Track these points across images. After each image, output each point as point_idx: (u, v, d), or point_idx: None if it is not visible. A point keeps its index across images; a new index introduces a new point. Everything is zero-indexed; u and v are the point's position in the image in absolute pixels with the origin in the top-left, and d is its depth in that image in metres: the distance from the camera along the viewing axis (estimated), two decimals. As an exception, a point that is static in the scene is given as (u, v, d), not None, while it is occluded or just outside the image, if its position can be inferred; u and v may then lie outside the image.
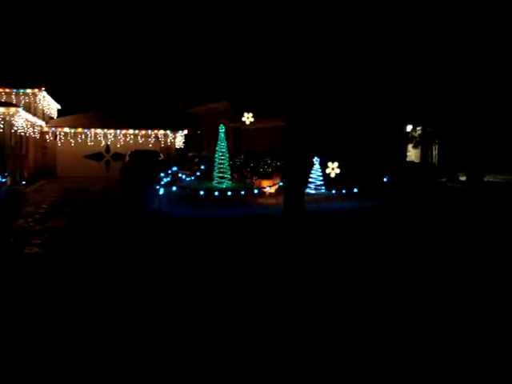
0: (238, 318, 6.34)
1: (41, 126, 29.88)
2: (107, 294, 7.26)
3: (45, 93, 29.35)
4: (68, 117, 33.68)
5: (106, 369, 4.92)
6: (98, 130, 31.14)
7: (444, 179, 27.47)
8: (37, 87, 28.38)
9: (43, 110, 31.25)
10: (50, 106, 33.19)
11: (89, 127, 31.00)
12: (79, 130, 30.85)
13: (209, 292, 7.39)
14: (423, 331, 5.97)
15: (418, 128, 30.52)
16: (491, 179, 27.89)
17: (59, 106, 36.36)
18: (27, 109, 26.09)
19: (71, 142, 31.07)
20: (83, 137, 31.09)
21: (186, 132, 33.56)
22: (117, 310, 6.61)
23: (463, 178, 24.20)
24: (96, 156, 32.02)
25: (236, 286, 7.70)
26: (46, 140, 30.87)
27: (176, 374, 4.86)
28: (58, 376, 4.77)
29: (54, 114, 35.52)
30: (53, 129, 30.86)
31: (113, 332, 5.83)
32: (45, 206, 16.76)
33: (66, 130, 30.79)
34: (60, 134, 30.96)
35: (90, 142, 31.27)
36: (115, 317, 6.32)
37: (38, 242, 10.87)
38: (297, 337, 5.73)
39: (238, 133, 41.04)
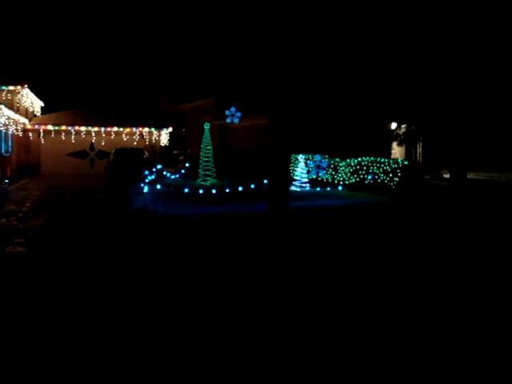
0: (222, 316, 6.35)
1: (24, 124, 29.62)
2: (91, 294, 7.23)
3: (28, 90, 29.11)
4: (52, 114, 33.43)
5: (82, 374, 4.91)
6: (82, 128, 30.94)
7: (428, 176, 27.62)
8: (19, 84, 28.15)
9: (26, 108, 31.00)
10: (34, 103, 32.94)
11: (73, 125, 30.78)
12: (63, 127, 30.62)
13: (194, 291, 7.39)
14: (410, 330, 6.02)
15: (402, 126, 30.68)
16: (474, 176, 28.10)
17: (43, 104, 36.08)
18: (10, 106, 25.86)
19: (55, 140, 30.84)
20: (67, 134, 30.87)
21: (170, 130, 33.46)
22: (100, 309, 6.58)
23: (447, 176, 24.36)
24: (80, 154, 31.82)
25: (221, 284, 7.70)
26: (30, 138, 30.60)
27: (157, 375, 4.86)
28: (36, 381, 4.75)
29: (38, 112, 35.23)
30: (36, 126, 30.61)
31: (96, 333, 5.81)
32: (28, 205, 16.63)
33: (50, 127, 30.55)
34: (44, 132, 30.72)
35: (74, 139, 31.05)
36: (98, 317, 6.30)
37: (21, 240, 10.78)
38: (282, 336, 5.75)
39: (223, 130, 40.98)
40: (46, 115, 33.72)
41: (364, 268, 8.78)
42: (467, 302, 7.04)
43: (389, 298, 7.16)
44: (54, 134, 30.75)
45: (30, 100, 31.51)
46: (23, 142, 30.32)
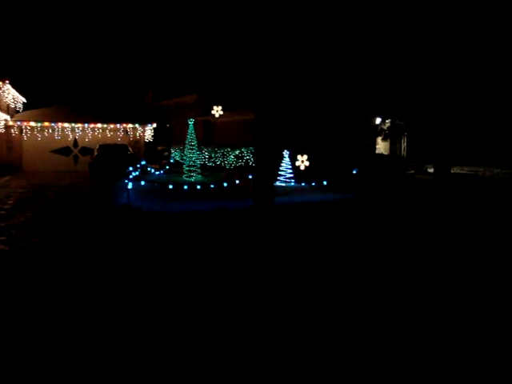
0: (209, 311, 6.31)
1: (5, 120, 29.30)
2: (75, 291, 7.15)
3: (9, 86, 28.77)
4: (34, 110, 33.08)
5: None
6: (66, 124, 30.65)
7: (412, 171, 27.80)
8: (0, 80, 27.80)
9: (8, 104, 30.65)
10: (15, 99, 32.57)
11: (56, 121, 30.48)
12: (46, 123, 30.32)
13: (179, 286, 7.33)
14: (383, 322, 6.02)
15: (386, 121, 30.81)
16: (458, 171, 28.33)
17: (25, 100, 35.67)
18: (-9, 102, 25.57)
19: (38, 137, 30.52)
20: (50, 131, 30.58)
21: (155, 125, 33.29)
22: (83, 307, 6.51)
23: (431, 170, 24.51)
24: (64, 150, 31.54)
25: (206, 279, 7.65)
26: (12, 134, 30.26)
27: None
28: None
29: (20, 108, 34.85)
30: (18, 123, 30.27)
31: (82, 331, 5.74)
32: (10, 202, 16.44)
33: (33, 124, 30.23)
34: (26, 128, 30.39)
35: (58, 136, 30.76)
36: (81, 314, 6.23)
37: (4, 238, 10.64)
38: (269, 331, 5.73)
39: (207, 126, 40.85)
40: (29, 111, 33.35)
41: (349, 262, 8.78)
42: (452, 295, 7.06)
43: (374, 291, 7.17)
44: (37, 131, 30.45)
45: (12, 96, 31.15)
46: (5, 138, 29.98)
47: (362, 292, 7.16)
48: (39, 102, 37.69)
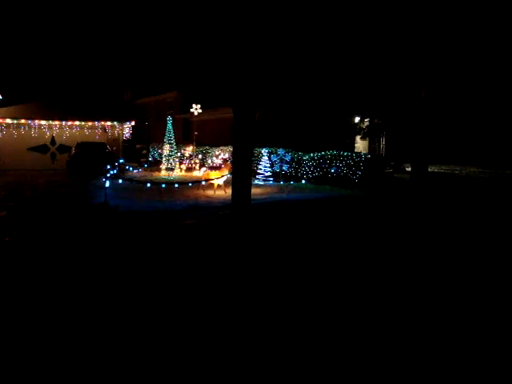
0: (185, 310, 6.29)
1: (-20, 118, 28.87)
2: (49, 292, 7.07)
3: (-16, 82, 28.35)
4: (10, 107, 32.53)
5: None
6: (43, 122, 30.26)
7: (391, 170, 27.95)
8: (-24, 77, 27.40)
9: (-17, 101, 30.20)
10: (-10, 96, 32.09)
11: (33, 118, 30.06)
12: (22, 121, 29.87)
13: (155, 285, 7.30)
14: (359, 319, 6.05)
15: (365, 120, 30.94)
16: (436, 170, 28.56)
17: (0, 97, 35.13)
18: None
19: (14, 134, 30.07)
20: (27, 128, 30.15)
21: (133, 123, 33.04)
22: (56, 308, 6.44)
23: (409, 169, 24.68)
24: (41, 148, 31.11)
25: (181, 280, 7.62)
26: (-13, 132, 29.83)
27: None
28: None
29: (-5, 105, 34.33)
30: (-6, 120, 29.83)
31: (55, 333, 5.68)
32: (-15, 200, 16.23)
33: (8, 121, 29.77)
34: (1, 126, 29.94)
35: (34, 133, 30.37)
36: (54, 316, 6.17)
37: (-23, 237, 10.51)
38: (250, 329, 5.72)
39: (187, 124, 40.68)
40: (4, 108, 32.78)
41: (328, 260, 8.81)
42: (431, 289, 7.13)
43: (350, 287, 7.20)
44: (13, 128, 30.02)
45: (-13, 93, 30.70)
46: (-20, 136, 29.52)
47: (343, 291, 7.19)
48: (16, 98, 37.20)
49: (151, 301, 6.64)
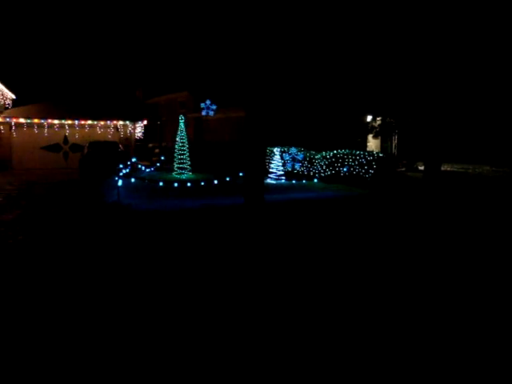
0: (201, 307, 6.29)
1: (-5, 117, 29.09)
2: (64, 291, 7.10)
3: (-2, 82, 28.56)
4: (24, 107, 32.79)
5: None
6: (56, 121, 30.43)
7: (403, 168, 27.84)
8: (-11, 76, 27.60)
9: (-4, 101, 30.42)
10: (4, 95, 32.29)
11: (46, 118, 30.25)
12: (36, 120, 30.07)
13: (170, 283, 7.30)
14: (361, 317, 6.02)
15: (377, 118, 30.79)
16: (449, 168, 28.41)
17: (14, 96, 35.36)
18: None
19: (27, 133, 30.27)
20: (40, 128, 30.34)
21: (145, 122, 33.14)
22: (73, 306, 6.47)
23: (422, 168, 24.56)
24: (54, 147, 31.29)
25: (196, 278, 7.63)
26: (1, 131, 30.00)
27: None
28: None
29: (9, 105, 34.56)
30: (7, 119, 30.01)
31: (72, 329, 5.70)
32: (-1, 199, 16.35)
33: (22, 120, 29.98)
34: (16, 125, 30.16)
35: (48, 132, 30.55)
36: (69, 313, 6.19)
37: (-9, 236, 10.58)
38: (260, 327, 5.71)
39: (198, 123, 40.74)
40: (18, 108, 33.04)
41: (339, 258, 8.78)
42: (441, 290, 7.08)
43: (361, 285, 7.17)
44: (27, 128, 30.22)
45: (1, 92, 30.89)
46: (-6, 135, 29.76)
47: (351, 289, 7.16)
48: (29, 98, 37.41)
49: (161, 296, 6.66)
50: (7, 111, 32.10)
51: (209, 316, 6.08)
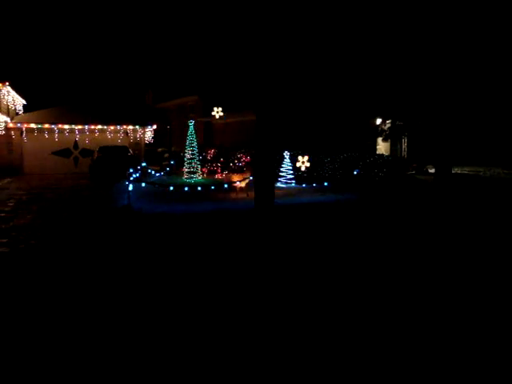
0: (212, 311, 6.28)
1: (5, 122, 29.23)
2: (75, 294, 7.11)
3: (9, 88, 28.72)
4: (34, 112, 33.01)
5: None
6: (66, 126, 30.58)
7: (413, 171, 27.76)
8: (1, 82, 27.75)
9: (8, 106, 30.58)
10: (16, 101, 32.49)
11: (56, 123, 30.40)
12: (46, 125, 30.25)
13: (182, 286, 7.30)
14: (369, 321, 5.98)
15: (387, 121, 30.72)
16: (459, 171, 28.28)
17: (25, 102, 35.59)
18: (-9, 104, 25.52)
19: (38, 138, 30.43)
20: (50, 133, 30.49)
21: (155, 127, 33.24)
22: (85, 308, 6.48)
23: (432, 171, 24.48)
24: (64, 152, 31.43)
25: (207, 281, 7.62)
26: (12, 136, 30.18)
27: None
28: None
29: (20, 110, 34.78)
30: (18, 125, 30.20)
31: (86, 331, 5.71)
32: (11, 204, 16.41)
33: (33, 125, 30.17)
34: (26, 130, 30.35)
35: (58, 137, 30.68)
36: (82, 316, 6.20)
37: (4, 240, 10.62)
38: (270, 330, 5.69)
39: (208, 127, 40.84)
40: (29, 113, 33.27)
41: (350, 263, 8.75)
42: (454, 293, 7.03)
43: (374, 291, 7.13)
44: (37, 133, 30.39)
45: (12, 98, 31.08)
46: (5, 140, 29.88)
47: (359, 293, 7.13)
48: (39, 103, 37.62)
49: (169, 297, 6.66)
50: (18, 117, 32.31)
51: (213, 316, 6.07)
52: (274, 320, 6.08)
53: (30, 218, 13.77)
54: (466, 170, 29.29)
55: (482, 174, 27.63)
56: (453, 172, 22.17)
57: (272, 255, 9.46)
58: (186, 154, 24.48)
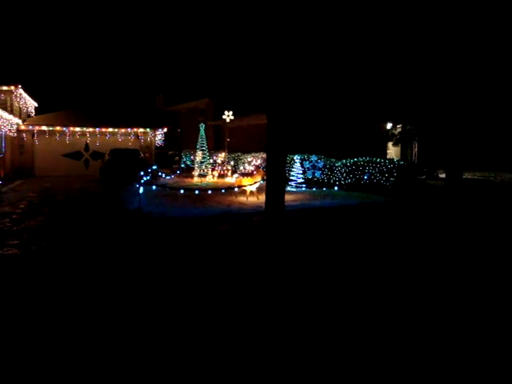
0: (223, 317, 6.27)
1: (17, 124, 29.42)
2: (85, 297, 7.13)
3: (21, 90, 28.93)
4: (46, 115, 33.24)
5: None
6: (77, 129, 30.76)
7: (424, 176, 27.64)
8: (13, 84, 27.95)
9: (20, 108, 30.79)
10: (27, 103, 32.73)
11: (67, 125, 30.60)
12: (57, 128, 30.44)
13: (193, 291, 7.30)
14: (409, 329, 5.95)
15: (397, 126, 30.66)
16: (470, 176, 28.14)
17: (36, 104, 35.87)
18: (3, 106, 25.70)
19: (49, 141, 30.66)
20: (61, 135, 30.69)
21: (165, 130, 33.35)
22: (98, 310, 6.49)
23: (443, 176, 24.37)
24: (75, 155, 31.63)
25: (219, 286, 7.61)
26: (24, 138, 30.39)
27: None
28: None
29: (32, 113, 35.03)
30: (30, 127, 30.41)
31: (95, 333, 5.71)
32: (22, 206, 16.48)
33: (44, 128, 30.37)
34: (38, 133, 30.55)
35: (69, 140, 30.90)
36: (90, 317, 6.21)
37: (16, 242, 10.66)
38: (282, 336, 5.67)
39: (218, 131, 40.90)
40: (41, 116, 33.51)
41: (362, 268, 8.71)
42: (465, 300, 6.98)
43: (387, 297, 7.09)
44: (49, 135, 30.59)
45: (24, 101, 31.31)
46: (17, 142, 30.10)
47: (368, 298, 7.09)
48: (51, 106, 37.95)
49: (175, 299, 6.66)
50: (30, 119, 32.53)
51: (218, 318, 6.06)
52: (278, 323, 6.06)
53: (41, 219, 13.82)
54: (476, 175, 29.15)
55: (492, 179, 27.47)
56: (464, 177, 22.06)
57: (282, 259, 9.43)
58: (196, 157, 24.51)
